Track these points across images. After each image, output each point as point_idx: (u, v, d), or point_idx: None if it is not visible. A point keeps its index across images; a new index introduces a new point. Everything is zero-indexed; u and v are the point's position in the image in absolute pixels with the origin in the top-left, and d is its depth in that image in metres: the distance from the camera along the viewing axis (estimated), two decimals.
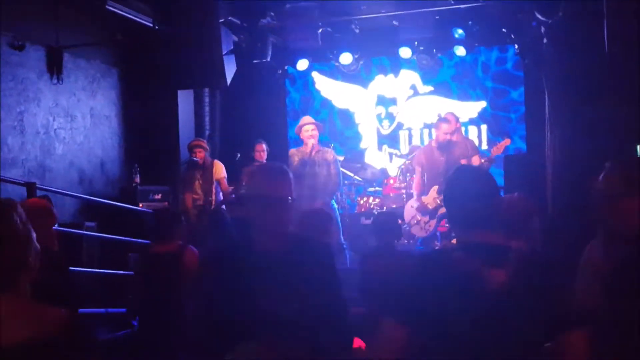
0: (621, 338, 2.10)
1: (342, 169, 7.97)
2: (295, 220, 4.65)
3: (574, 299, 2.14)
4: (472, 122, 9.92)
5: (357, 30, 8.92)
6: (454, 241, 4.87)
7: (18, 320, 1.76)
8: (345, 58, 9.50)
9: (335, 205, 7.68)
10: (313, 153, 7.48)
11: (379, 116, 10.44)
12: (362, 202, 8.95)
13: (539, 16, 7.56)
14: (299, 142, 10.53)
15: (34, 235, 1.87)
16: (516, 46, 8.87)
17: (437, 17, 8.45)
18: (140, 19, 8.07)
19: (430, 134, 9.98)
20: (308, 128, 7.54)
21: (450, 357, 2.04)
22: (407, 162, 8.74)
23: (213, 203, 7.83)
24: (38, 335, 1.75)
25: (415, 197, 7.58)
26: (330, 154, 7.61)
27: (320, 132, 7.71)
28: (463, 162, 7.15)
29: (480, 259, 2.08)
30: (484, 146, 9.67)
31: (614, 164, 2.50)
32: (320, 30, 8.66)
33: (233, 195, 8.03)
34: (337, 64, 9.74)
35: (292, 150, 7.79)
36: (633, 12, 6.40)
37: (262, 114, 10.27)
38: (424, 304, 2.08)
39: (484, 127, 9.96)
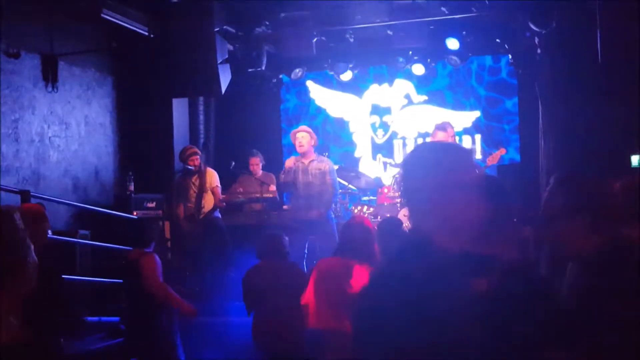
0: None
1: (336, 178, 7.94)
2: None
3: (558, 312, 2.08)
4: (466, 131, 9.96)
5: (351, 40, 8.96)
6: None
7: None
8: (340, 67, 9.54)
9: (333, 216, 7.66)
10: (307, 162, 7.46)
11: (373, 125, 10.47)
12: (356, 211, 8.94)
13: (533, 26, 7.62)
14: (292, 150, 10.57)
15: (32, 246, 1.87)
16: (510, 56, 8.93)
17: (431, 27, 8.49)
18: (135, 27, 8.09)
19: None
20: (299, 136, 7.49)
21: None
22: (401, 171, 8.75)
23: (204, 211, 7.81)
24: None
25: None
26: (325, 163, 7.55)
27: (314, 142, 7.59)
28: None
29: (462, 269, 2.07)
30: (478, 156, 9.69)
31: (557, 180, 2.35)
32: (315, 40, 8.68)
33: (224, 203, 8.03)
34: (331, 72, 9.78)
35: (289, 159, 7.77)
36: (626, 23, 6.45)
37: (256, 122, 10.30)
38: (405, 312, 2.08)
39: (477, 137, 10.00)
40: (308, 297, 4.58)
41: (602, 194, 2.31)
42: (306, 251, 7.45)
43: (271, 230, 6.00)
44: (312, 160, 7.47)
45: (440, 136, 7.26)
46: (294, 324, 4.79)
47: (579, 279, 2.20)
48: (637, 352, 2.10)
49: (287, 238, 5.38)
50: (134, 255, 5.26)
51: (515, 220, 2.91)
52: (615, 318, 2.10)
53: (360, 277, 4.24)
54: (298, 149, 7.49)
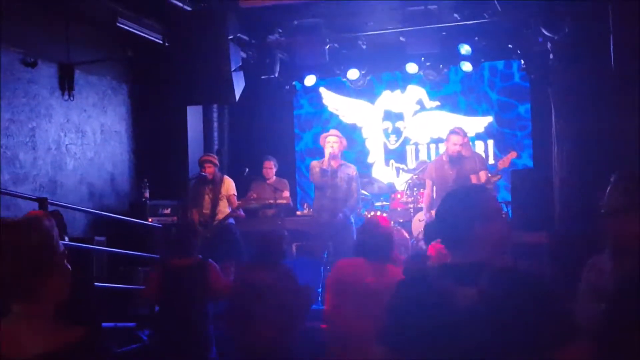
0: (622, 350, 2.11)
1: None
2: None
3: (557, 313, 2.10)
4: (478, 137, 9.96)
5: (364, 46, 9.00)
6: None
7: (34, 333, 1.80)
8: (352, 74, 9.58)
9: (352, 220, 7.75)
10: (335, 165, 7.55)
11: (385, 131, 10.50)
12: (369, 216, 8.98)
13: (545, 32, 7.62)
14: (304, 156, 10.64)
15: (64, 251, 1.92)
16: (522, 62, 8.93)
17: (444, 33, 8.51)
18: (150, 35, 8.18)
19: (437, 149, 10.03)
20: (330, 139, 7.62)
21: None
22: (414, 176, 8.78)
23: (219, 218, 7.87)
24: (54, 350, 1.79)
25: (424, 210, 7.62)
26: (353, 169, 7.69)
27: (344, 148, 7.72)
28: (472, 177, 7.17)
29: (452, 278, 2.11)
30: (491, 161, 9.69)
31: (616, 178, 2.48)
32: (327, 47, 8.73)
33: (243, 213, 8.07)
34: (344, 79, 9.82)
35: (314, 162, 7.86)
36: (639, 29, 6.44)
37: (270, 129, 10.35)
38: (401, 324, 2.13)
39: (490, 142, 10.00)
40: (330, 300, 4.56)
41: None
42: (325, 255, 7.53)
43: (269, 231, 5.82)
44: (341, 165, 7.58)
45: (454, 139, 7.31)
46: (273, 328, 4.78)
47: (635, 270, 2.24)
48: None
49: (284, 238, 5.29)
50: (183, 262, 5.08)
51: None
52: None
53: (393, 276, 4.17)
54: (325, 151, 7.56)
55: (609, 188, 2.47)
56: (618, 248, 2.44)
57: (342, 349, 4.36)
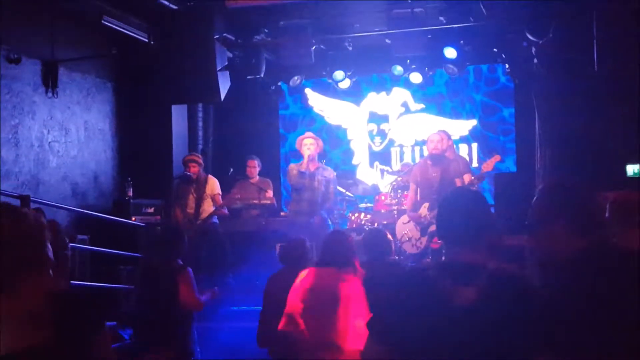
0: None
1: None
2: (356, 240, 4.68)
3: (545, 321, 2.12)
4: (462, 139, 10.01)
5: (350, 48, 9.02)
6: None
7: (6, 332, 1.77)
8: (338, 75, 9.60)
9: (330, 222, 7.76)
10: (312, 168, 7.54)
11: (370, 133, 10.52)
12: (353, 217, 8.98)
13: (530, 36, 7.69)
14: (289, 157, 10.64)
15: (49, 245, 1.89)
16: (507, 66, 9.00)
17: (429, 36, 8.55)
18: (135, 34, 8.16)
19: (421, 151, 10.07)
20: (307, 142, 7.60)
21: None
22: (398, 178, 8.80)
23: (203, 217, 7.86)
24: (19, 351, 1.76)
25: (408, 213, 7.64)
26: (330, 172, 7.69)
27: (320, 149, 7.73)
28: (457, 180, 7.20)
29: (451, 277, 2.13)
30: (475, 164, 9.74)
31: (541, 190, 2.47)
32: (313, 48, 8.73)
33: (227, 211, 8.05)
34: (330, 80, 9.83)
35: (292, 165, 7.87)
36: (623, 33, 6.53)
37: (255, 129, 10.34)
38: (397, 321, 2.14)
39: (474, 145, 10.06)
40: (295, 304, 4.55)
41: (584, 200, 2.38)
42: None
43: (296, 236, 5.79)
44: (318, 167, 7.57)
45: (432, 138, 7.37)
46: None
47: (559, 281, 2.26)
48: (616, 352, 2.15)
49: (311, 244, 5.33)
50: (164, 265, 5.00)
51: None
52: (593, 320, 2.16)
53: (352, 284, 4.37)
54: (304, 153, 7.54)
55: (535, 197, 2.48)
56: (542, 257, 2.45)
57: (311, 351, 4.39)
